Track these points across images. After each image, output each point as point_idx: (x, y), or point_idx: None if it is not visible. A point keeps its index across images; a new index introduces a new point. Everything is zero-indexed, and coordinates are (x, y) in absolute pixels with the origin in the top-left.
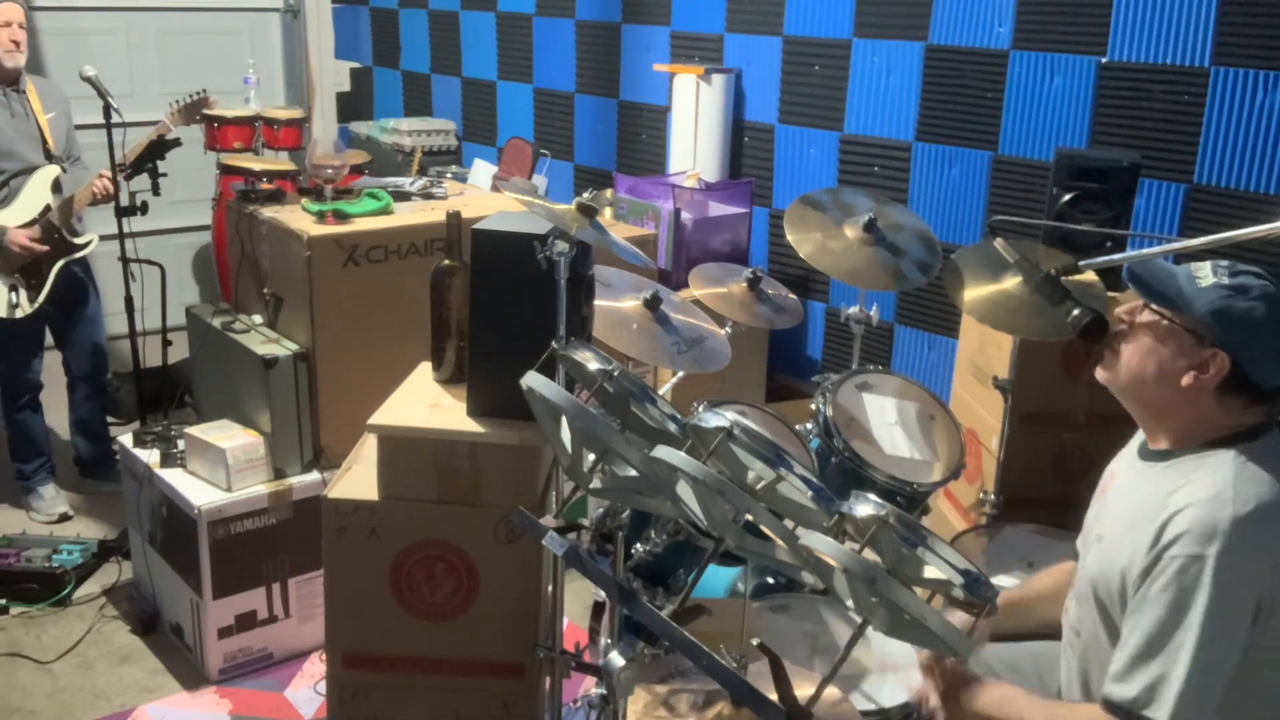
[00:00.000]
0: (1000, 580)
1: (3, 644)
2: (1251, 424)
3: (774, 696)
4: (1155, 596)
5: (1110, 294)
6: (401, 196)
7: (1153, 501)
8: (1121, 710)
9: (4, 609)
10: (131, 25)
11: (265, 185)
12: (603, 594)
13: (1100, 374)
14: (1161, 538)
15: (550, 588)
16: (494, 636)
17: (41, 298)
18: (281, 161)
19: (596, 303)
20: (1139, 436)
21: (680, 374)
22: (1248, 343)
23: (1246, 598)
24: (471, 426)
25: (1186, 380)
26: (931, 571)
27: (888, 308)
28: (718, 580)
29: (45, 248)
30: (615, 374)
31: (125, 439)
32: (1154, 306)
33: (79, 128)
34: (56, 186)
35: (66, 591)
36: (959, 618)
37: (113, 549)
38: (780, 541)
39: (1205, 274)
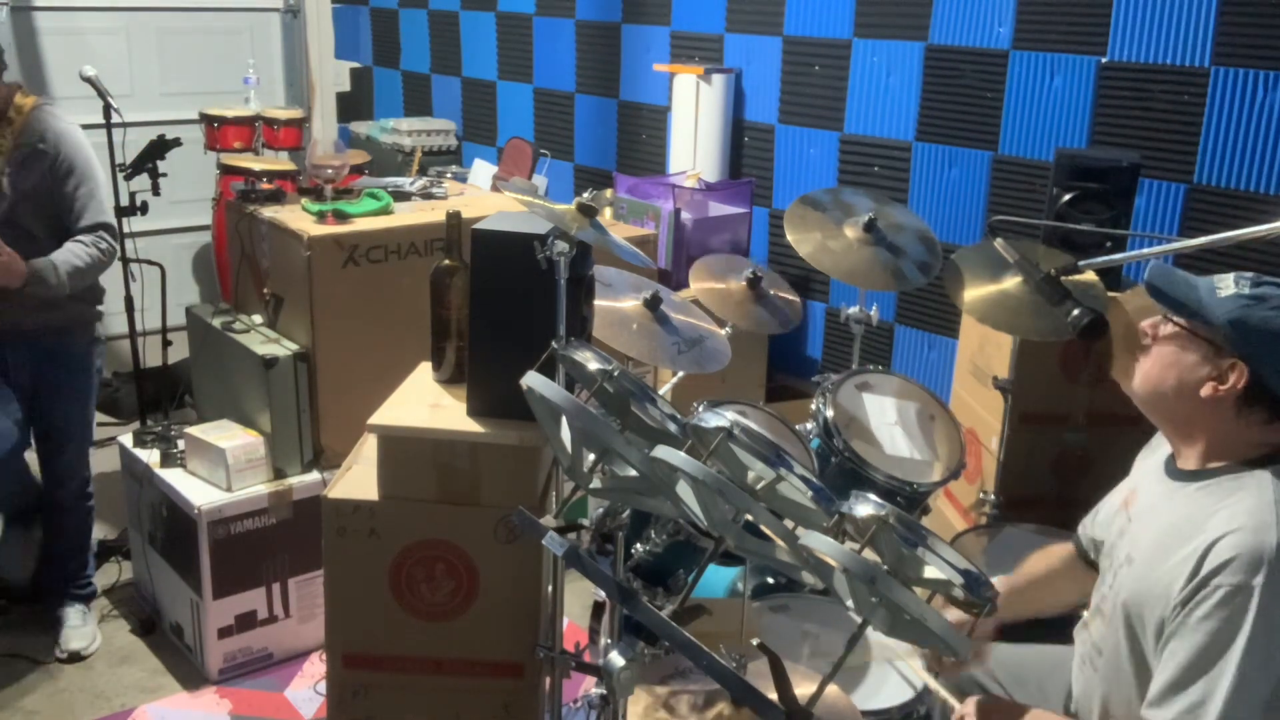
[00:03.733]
0: (1000, 580)
1: (3, 644)
2: None
3: (774, 696)
4: (1197, 624)
5: (1110, 294)
6: (401, 196)
7: (1189, 525)
8: None
9: (4, 609)
10: (131, 25)
11: (265, 185)
12: (603, 594)
13: (1124, 386)
14: (1204, 565)
15: (550, 588)
16: (494, 636)
17: None
18: (281, 161)
19: (596, 303)
20: (1160, 450)
21: (680, 374)
22: (1267, 352)
23: None
24: (471, 426)
25: (1206, 391)
26: (931, 571)
27: (888, 308)
28: (718, 580)
29: None
30: (615, 374)
31: (125, 439)
32: (1174, 317)
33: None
34: None
35: None
36: (955, 615)
37: (113, 549)
38: (780, 541)
39: (1227, 285)
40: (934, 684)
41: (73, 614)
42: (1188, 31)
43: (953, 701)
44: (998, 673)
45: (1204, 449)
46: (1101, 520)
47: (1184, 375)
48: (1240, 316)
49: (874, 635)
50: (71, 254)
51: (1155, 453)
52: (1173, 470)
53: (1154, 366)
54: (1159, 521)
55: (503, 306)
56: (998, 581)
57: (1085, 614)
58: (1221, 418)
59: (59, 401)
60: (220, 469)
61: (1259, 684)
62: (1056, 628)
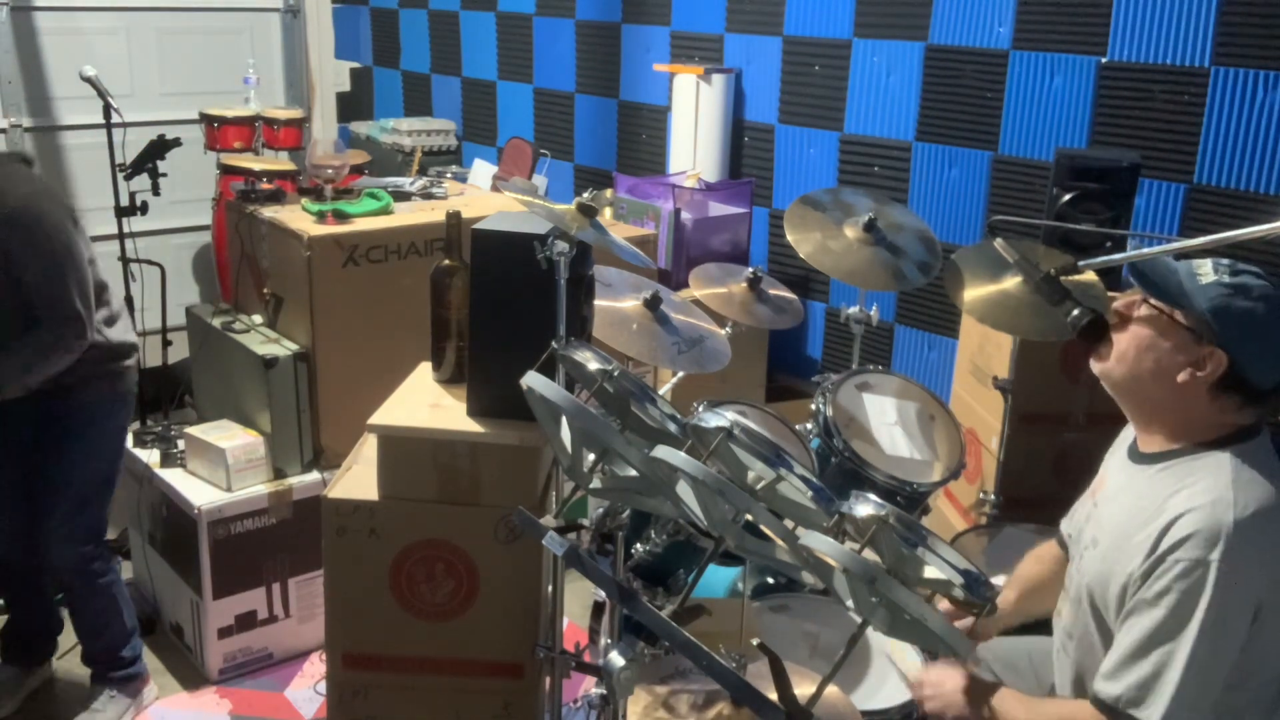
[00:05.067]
0: (1000, 580)
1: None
2: (1244, 425)
3: (774, 696)
4: (1154, 599)
5: (1110, 294)
6: (401, 196)
7: (1149, 505)
8: (1109, 708)
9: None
10: (131, 25)
11: (265, 185)
12: (603, 594)
13: (1095, 366)
14: (1162, 542)
15: (550, 588)
16: (494, 636)
17: None
18: (281, 161)
19: (596, 303)
20: (1126, 437)
21: (680, 374)
22: (1246, 342)
23: (1247, 601)
24: (471, 426)
25: (1183, 377)
26: (931, 571)
27: (888, 308)
28: (718, 580)
29: None
30: (615, 374)
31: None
32: (1153, 301)
33: (79, 127)
34: None
35: None
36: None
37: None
38: (780, 541)
39: (1206, 271)
40: (901, 666)
41: (98, 696)
42: (1188, 31)
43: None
44: (993, 664)
45: (1170, 431)
46: (1072, 514)
47: (1161, 360)
48: (1222, 305)
49: (873, 635)
50: (23, 351)
51: (1121, 445)
52: (1136, 454)
53: (1130, 349)
54: (1122, 503)
55: (503, 306)
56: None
57: (1059, 601)
58: (1195, 402)
59: (55, 460)
60: (220, 469)
61: (1217, 660)
62: (1048, 621)
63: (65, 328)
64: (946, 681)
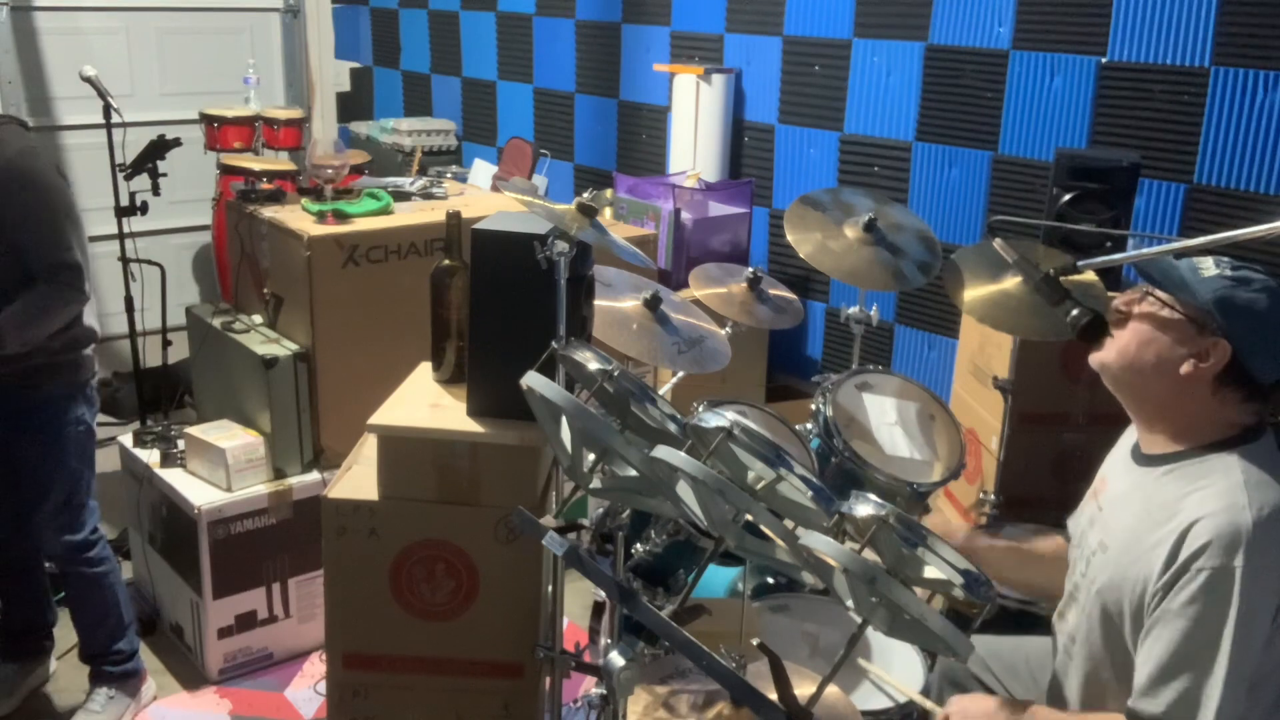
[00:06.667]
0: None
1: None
2: (1247, 425)
3: (774, 696)
4: (1181, 609)
5: (1110, 294)
6: (401, 196)
7: (1161, 509)
8: None
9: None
10: (131, 25)
11: (265, 185)
12: (603, 594)
13: (1095, 360)
14: (1182, 550)
15: (550, 588)
16: (494, 636)
17: None
18: (281, 161)
19: (596, 303)
20: (1128, 439)
21: (680, 374)
22: (1249, 333)
23: (1269, 602)
24: (471, 426)
25: (1185, 369)
26: (931, 571)
27: (888, 308)
28: (718, 580)
29: None
30: (615, 374)
31: (125, 439)
32: (1155, 294)
33: (79, 127)
34: None
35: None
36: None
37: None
38: (780, 541)
39: (1208, 265)
40: (917, 697)
41: (96, 696)
42: (1188, 31)
43: (930, 705)
44: (991, 664)
45: (1173, 430)
46: (1077, 514)
47: (1164, 352)
48: (1225, 296)
49: (873, 637)
50: (22, 306)
51: (1121, 448)
52: (1139, 456)
53: (1132, 342)
54: (1130, 508)
55: (503, 306)
56: (1004, 538)
57: (1060, 604)
58: (1198, 396)
59: (26, 454)
60: (220, 469)
61: (1247, 666)
62: (1046, 622)
63: (63, 278)
64: (973, 706)
